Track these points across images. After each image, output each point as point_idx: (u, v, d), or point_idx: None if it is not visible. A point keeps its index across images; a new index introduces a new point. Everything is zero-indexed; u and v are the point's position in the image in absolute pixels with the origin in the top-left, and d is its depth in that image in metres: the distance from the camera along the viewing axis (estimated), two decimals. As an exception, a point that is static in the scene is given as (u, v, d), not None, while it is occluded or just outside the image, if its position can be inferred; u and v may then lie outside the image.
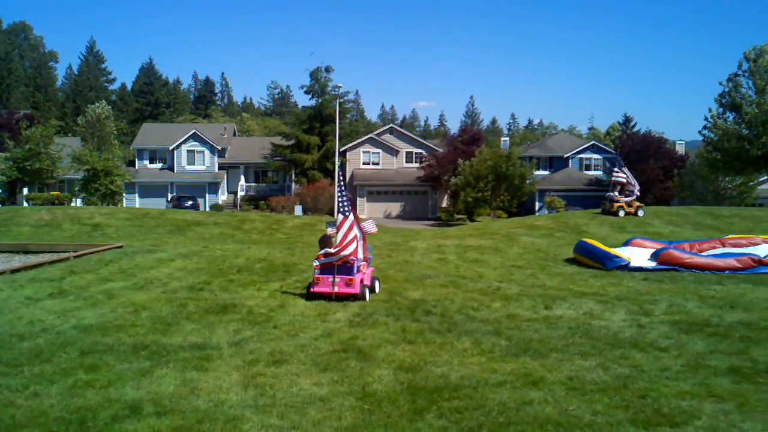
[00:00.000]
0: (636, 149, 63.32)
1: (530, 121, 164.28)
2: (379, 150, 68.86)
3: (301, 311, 10.71)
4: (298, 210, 53.57)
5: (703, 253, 17.50)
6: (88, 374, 7.28)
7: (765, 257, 16.16)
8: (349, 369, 7.54)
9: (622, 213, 28.51)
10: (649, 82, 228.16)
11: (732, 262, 16.05)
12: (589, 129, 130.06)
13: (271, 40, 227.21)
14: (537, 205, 64.30)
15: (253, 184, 71.62)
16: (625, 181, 28.91)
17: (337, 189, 12.55)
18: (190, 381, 7.08)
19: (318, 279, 11.68)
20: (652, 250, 17.59)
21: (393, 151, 68.89)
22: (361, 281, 11.66)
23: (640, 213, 28.74)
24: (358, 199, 64.49)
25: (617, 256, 16.78)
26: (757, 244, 18.40)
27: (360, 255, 11.93)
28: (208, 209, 60.96)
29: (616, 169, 29.64)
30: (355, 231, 11.71)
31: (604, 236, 22.80)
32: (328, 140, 65.11)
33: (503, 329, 9.52)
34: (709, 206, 41.17)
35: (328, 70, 69.97)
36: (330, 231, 12.18)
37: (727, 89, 49.96)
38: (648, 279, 14.96)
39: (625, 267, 16.37)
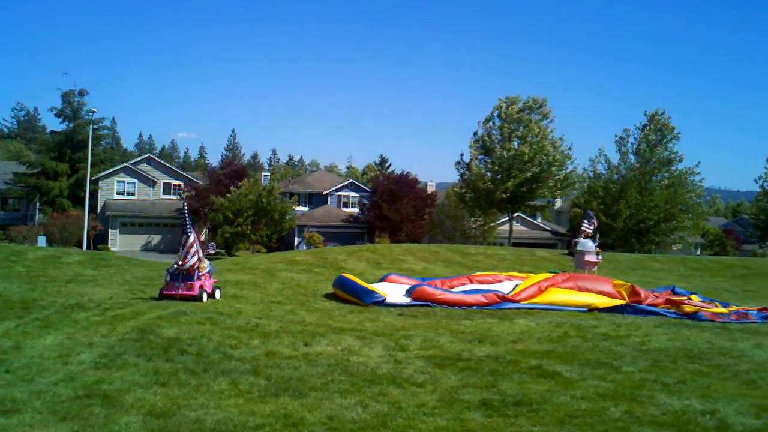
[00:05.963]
0: (391, 189, 66.18)
1: (291, 158, 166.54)
2: (135, 180, 66.01)
3: (39, 353, 9.62)
4: (41, 241, 49.54)
5: (454, 290, 18.36)
6: None
7: (509, 293, 17.29)
8: (92, 417, 6.82)
9: None
10: (405, 127, 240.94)
11: (479, 298, 16.96)
12: (348, 168, 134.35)
13: (17, 58, 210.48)
14: (296, 240, 64.83)
15: (-10, 212, 64.98)
16: (590, 232, 31.12)
17: (183, 211, 15.73)
18: None
19: (168, 284, 15.26)
20: (407, 286, 18.17)
21: (150, 182, 66.34)
22: (201, 287, 15.09)
23: (599, 257, 30.82)
24: (110, 230, 61.10)
25: (374, 292, 17.07)
26: (501, 281, 19.76)
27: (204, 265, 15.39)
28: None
29: (585, 222, 31.87)
30: (196, 247, 15.03)
31: (361, 272, 23.26)
32: (80, 168, 60.95)
33: (262, 368, 9.21)
34: (457, 244, 43.70)
35: (82, 93, 66.33)
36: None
37: (482, 132, 53.36)
38: (403, 314, 15.37)
39: (382, 302, 16.70)
